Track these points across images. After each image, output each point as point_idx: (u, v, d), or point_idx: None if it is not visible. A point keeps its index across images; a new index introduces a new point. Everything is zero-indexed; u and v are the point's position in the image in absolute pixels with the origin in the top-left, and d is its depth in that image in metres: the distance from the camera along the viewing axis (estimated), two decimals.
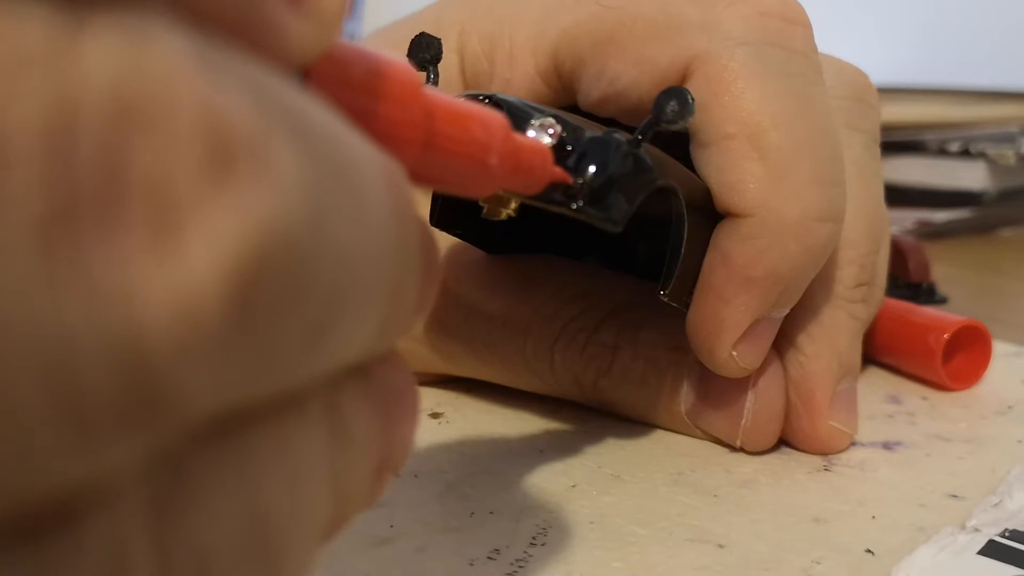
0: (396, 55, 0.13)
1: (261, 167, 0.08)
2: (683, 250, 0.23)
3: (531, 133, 0.19)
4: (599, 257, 0.30)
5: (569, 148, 0.19)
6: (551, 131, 0.19)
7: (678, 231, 0.23)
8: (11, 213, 0.07)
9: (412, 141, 0.12)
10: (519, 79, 0.25)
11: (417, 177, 0.12)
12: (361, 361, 0.11)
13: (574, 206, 0.19)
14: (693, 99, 0.20)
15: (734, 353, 0.24)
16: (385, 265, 0.10)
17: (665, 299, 0.23)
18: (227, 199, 0.08)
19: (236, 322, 0.08)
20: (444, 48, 0.27)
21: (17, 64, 0.07)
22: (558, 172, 0.17)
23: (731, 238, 0.23)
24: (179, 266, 0.08)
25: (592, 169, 0.19)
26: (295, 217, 0.08)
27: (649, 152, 0.21)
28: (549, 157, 0.17)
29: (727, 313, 0.23)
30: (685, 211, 0.22)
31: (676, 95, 0.20)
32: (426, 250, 0.11)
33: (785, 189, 0.22)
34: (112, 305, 0.07)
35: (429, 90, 0.13)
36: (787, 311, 0.24)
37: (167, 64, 0.08)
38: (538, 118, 0.19)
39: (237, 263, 0.08)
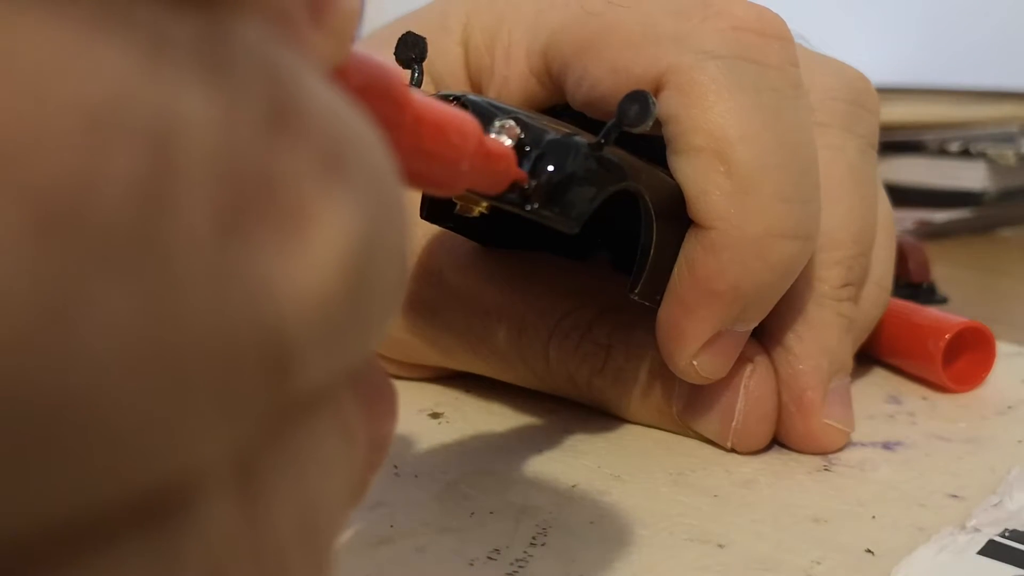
0: (383, 55, 0.13)
1: (363, 166, 0.09)
2: (652, 252, 0.23)
3: (492, 135, 0.19)
4: (608, 257, 0.30)
5: (527, 149, 0.19)
6: (511, 133, 0.19)
7: (647, 232, 0.23)
8: (194, 213, 0.08)
9: (400, 146, 0.12)
10: (515, 76, 0.25)
11: None
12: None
13: (528, 207, 0.19)
14: (655, 104, 0.20)
15: (694, 362, 0.24)
16: (404, 263, 0.11)
17: (635, 297, 0.23)
18: (340, 197, 0.09)
19: (345, 305, 0.09)
20: (450, 41, 0.27)
21: (179, 86, 0.08)
22: (521, 173, 0.18)
23: (696, 248, 0.23)
24: (306, 257, 0.09)
25: (549, 170, 0.19)
26: (381, 213, 0.10)
27: (618, 156, 0.21)
28: (513, 159, 0.18)
29: (688, 323, 0.23)
30: (653, 213, 0.22)
31: (638, 99, 0.20)
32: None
33: (749, 204, 0.22)
34: (262, 294, 0.08)
35: (415, 94, 0.13)
36: (753, 325, 0.24)
37: (297, 75, 0.09)
38: (501, 119, 0.19)
39: (347, 251, 0.09)
